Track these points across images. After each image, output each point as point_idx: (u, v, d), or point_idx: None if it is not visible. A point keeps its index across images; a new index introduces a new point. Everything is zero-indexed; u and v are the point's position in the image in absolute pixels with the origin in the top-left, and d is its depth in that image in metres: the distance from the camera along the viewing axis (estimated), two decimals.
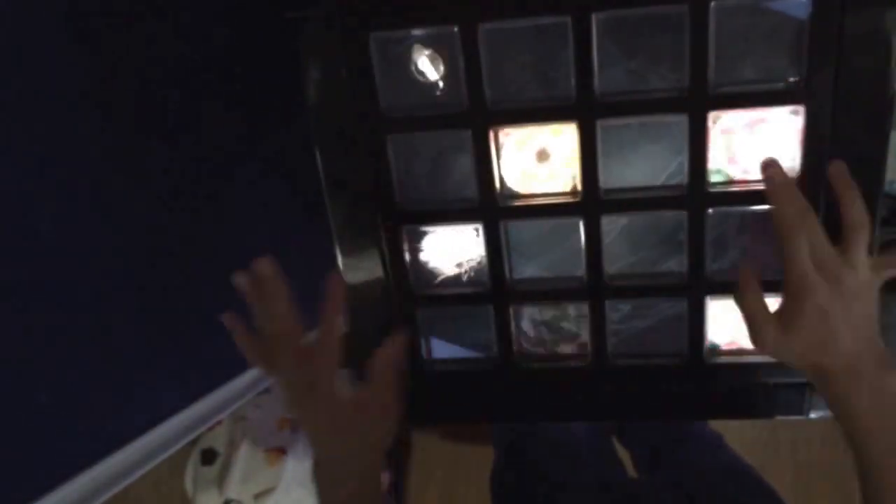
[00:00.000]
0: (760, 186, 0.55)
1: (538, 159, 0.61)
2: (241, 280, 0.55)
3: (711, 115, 0.56)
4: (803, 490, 1.72)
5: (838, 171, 0.53)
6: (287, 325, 0.55)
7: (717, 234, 0.60)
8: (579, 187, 0.60)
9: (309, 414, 0.57)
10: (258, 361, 0.56)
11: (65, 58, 0.57)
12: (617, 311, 0.65)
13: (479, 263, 0.65)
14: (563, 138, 0.59)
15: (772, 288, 0.54)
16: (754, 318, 0.54)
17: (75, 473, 0.60)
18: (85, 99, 0.59)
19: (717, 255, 0.61)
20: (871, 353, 0.51)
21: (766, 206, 0.58)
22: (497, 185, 0.61)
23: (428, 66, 0.58)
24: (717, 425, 1.06)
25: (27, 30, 0.53)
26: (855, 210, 0.51)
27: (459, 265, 0.66)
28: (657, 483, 0.90)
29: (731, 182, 0.59)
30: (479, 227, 0.62)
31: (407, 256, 0.65)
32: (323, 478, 0.58)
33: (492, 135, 0.59)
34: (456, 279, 0.66)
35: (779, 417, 0.66)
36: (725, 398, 0.67)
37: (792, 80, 0.55)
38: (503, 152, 0.60)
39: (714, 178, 0.59)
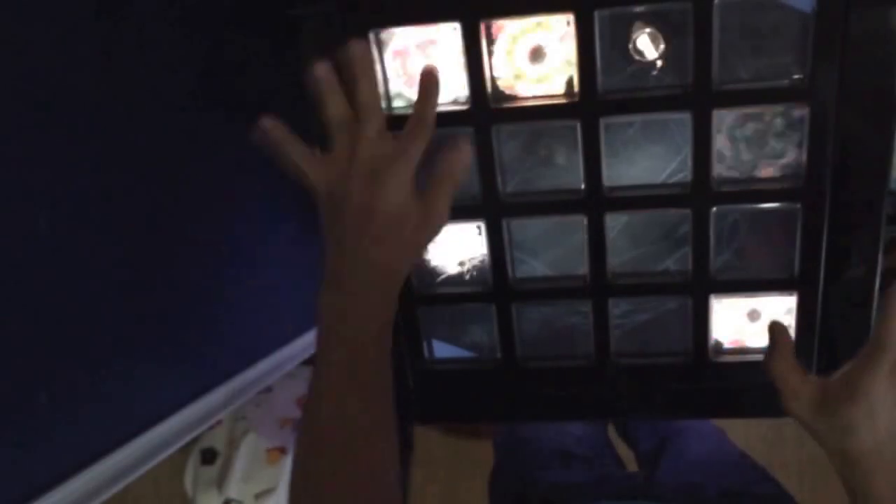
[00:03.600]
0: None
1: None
2: (321, 67, 0.49)
3: None
4: (808, 488, 1.72)
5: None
6: (375, 105, 0.49)
7: (720, 232, 0.60)
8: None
9: (358, 211, 0.48)
10: (311, 164, 0.50)
11: (64, 56, 0.57)
12: (618, 306, 0.65)
13: (482, 262, 0.64)
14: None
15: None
16: (786, 386, 0.52)
17: (75, 473, 0.60)
18: (84, 97, 0.59)
19: (721, 252, 0.61)
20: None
21: (769, 204, 0.58)
22: (499, 182, 0.60)
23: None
24: (721, 423, 1.06)
25: (27, 29, 0.53)
26: None
27: (461, 264, 0.65)
28: (658, 477, 0.90)
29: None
30: (482, 224, 0.62)
31: None
32: (334, 297, 0.50)
33: (494, 131, 0.59)
34: (458, 278, 0.66)
35: (784, 416, 0.66)
36: (730, 396, 0.66)
37: (796, 77, 0.55)
38: (504, 148, 0.60)
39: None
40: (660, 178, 0.59)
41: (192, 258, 0.74)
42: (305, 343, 0.95)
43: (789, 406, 0.52)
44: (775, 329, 0.53)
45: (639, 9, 0.54)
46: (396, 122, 0.50)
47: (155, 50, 0.67)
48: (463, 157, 0.51)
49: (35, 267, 0.55)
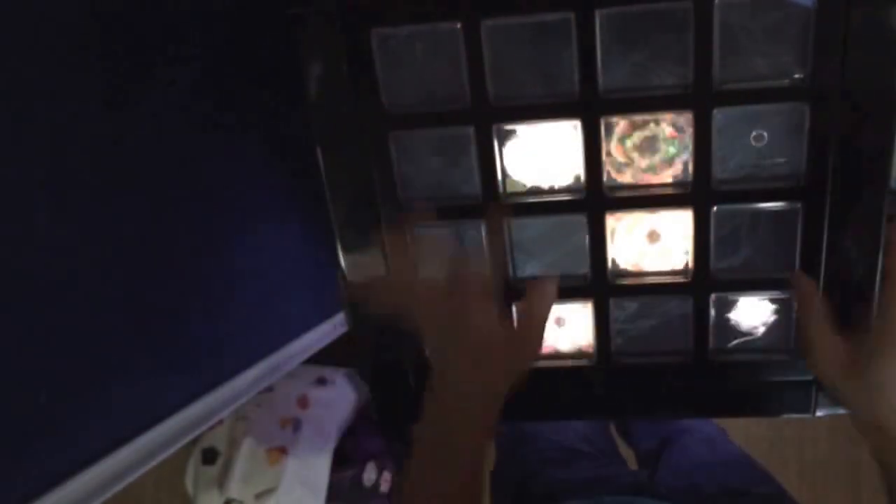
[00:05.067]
0: None
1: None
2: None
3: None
4: (809, 488, 1.72)
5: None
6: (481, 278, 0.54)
7: (724, 232, 0.60)
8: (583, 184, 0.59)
9: (451, 338, 0.54)
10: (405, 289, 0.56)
11: (64, 54, 0.57)
12: (622, 309, 0.65)
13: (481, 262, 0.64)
14: (565, 137, 0.59)
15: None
16: (819, 347, 0.52)
17: (75, 473, 0.60)
18: (83, 96, 0.59)
19: (724, 253, 0.61)
20: None
21: (772, 205, 0.58)
22: (500, 182, 0.60)
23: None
24: (722, 423, 1.06)
25: (27, 28, 0.53)
26: None
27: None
28: (659, 476, 0.90)
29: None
30: (482, 225, 0.62)
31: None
32: (431, 426, 0.53)
33: (494, 131, 0.59)
34: None
35: (785, 416, 0.66)
36: (731, 396, 0.66)
37: (797, 76, 0.55)
38: (506, 149, 0.60)
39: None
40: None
41: (192, 258, 0.74)
42: (306, 343, 0.95)
43: (819, 366, 0.52)
44: (802, 283, 0.53)
45: (640, 7, 0.54)
46: None
47: (154, 49, 0.67)
48: (549, 298, 0.55)
49: (34, 266, 0.55)
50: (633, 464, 1.15)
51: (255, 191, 0.84)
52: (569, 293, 0.64)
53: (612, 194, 0.59)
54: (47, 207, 0.56)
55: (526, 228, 0.63)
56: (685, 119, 0.56)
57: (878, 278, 0.58)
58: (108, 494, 0.62)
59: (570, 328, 0.67)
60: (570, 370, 0.67)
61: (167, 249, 0.70)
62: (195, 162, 0.74)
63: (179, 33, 0.70)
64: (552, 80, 0.57)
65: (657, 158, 0.59)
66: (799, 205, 0.57)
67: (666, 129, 0.58)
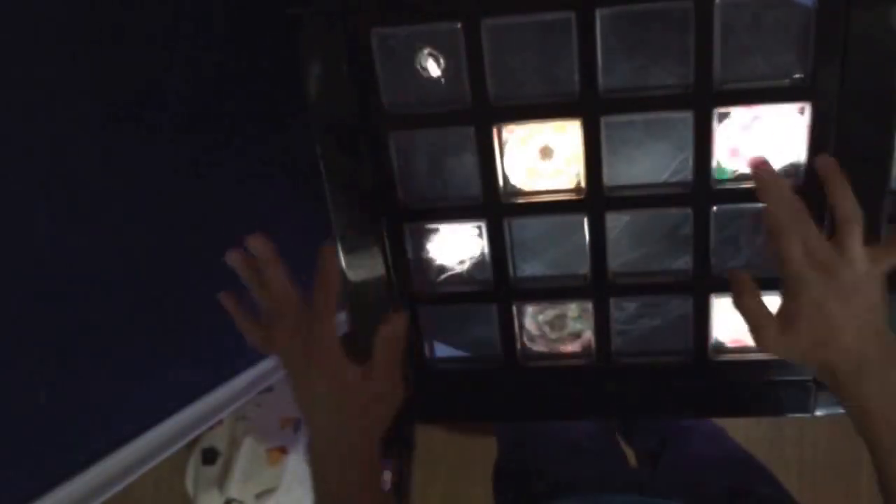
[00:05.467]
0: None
1: (542, 156, 0.60)
2: (234, 257, 0.55)
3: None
4: (809, 487, 1.72)
5: (827, 165, 0.52)
6: (286, 296, 0.54)
7: (726, 233, 0.60)
8: (583, 184, 0.59)
9: (307, 386, 0.56)
10: (257, 339, 0.56)
11: (64, 55, 0.57)
12: (622, 309, 0.65)
13: (483, 262, 0.64)
14: (566, 135, 0.59)
15: (775, 286, 0.53)
16: (754, 319, 0.53)
17: (75, 473, 0.60)
18: (83, 96, 0.59)
19: (727, 253, 0.61)
20: (877, 347, 0.50)
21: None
22: (500, 182, 0.60)
23: (430, 63, 0.58)
24: (721, 422, 1.06)
25: (27, 30, 0.53)
26: (846, 203, 0.51)
27: (462, 263, 0.65)
28: (660, 474, 0.90)
29: (736, 178, 0.58)
30: (483, 224, 0.62)
31: (409, 254, 0.64)
32: (318, 463, 0.57)
33: (495, 132, 0.59)
34: (459, 277, 0.66)
35: (784, 415, 0.66)
36: (731, 396, 0.66)
37: (797, 76, 0.55)
38: (506, 149, 0.60)
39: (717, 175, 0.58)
40: (661, 177, 0.59)
41: (193, 257, 0.74)
42: None
43: (764, 340, 0.53)
44: (734, 274, 0.55)
45: (640, 7, 0.54)
46: None
47: (155, 49, 0.67)
48: (397, 328, 0.57)
49: (36, 267, 0.55)
50: (633, 463, 1.15)
51: (255, 190, 0.84)
52: (569, 293, 0.64)
53: (613, 194, 0.59)
54: (48, 209, 0.56)
55: (526, 228, 0.63)
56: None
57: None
58: (108, 494, 0.62)
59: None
60: (570, 370, 0.67)
61: (167, 250, 0.70)
62: (195, 162, 0.74)
63: (180, 33, 0.70)
64: (552, 80, 0.57)
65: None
66: None
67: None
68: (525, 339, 0.67)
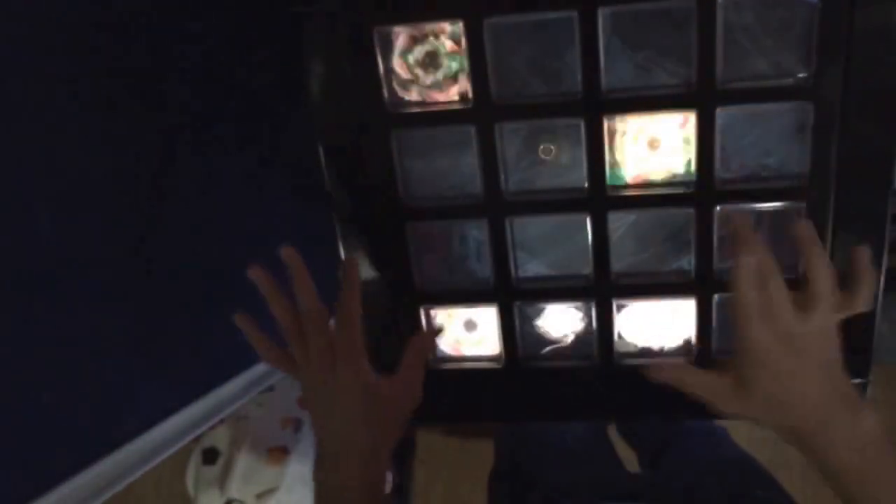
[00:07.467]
0: None
1: (543, 155, 0.60)
2: (256, 272, 0.53)
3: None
4: (811, 489, 1.71)
5: (804, 232, 0.51)
6: (318, 311, 0.53)
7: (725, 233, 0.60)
8: (585, 184, 0.59)
9: (326, 401, 0.55)
10: (283, 363, 0.55)
11: (64, 55, 0.57)
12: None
13: (483, 261, 0.64)
14: (567, 136, 0.59)
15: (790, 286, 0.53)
16: (705, 395, 0.52)
17: (75, 473, 0.59)
18: (84, 96, 0.59)
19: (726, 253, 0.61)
20: (839, 401, 0.49)
21: (775, 204, 0.58)
22: (502, 181, 0.60)
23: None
24: (722, 423, 1.05)
25: (27, 29, 0.53)
26: (820, 275, 0.49)
27: (464, 262, 0.65)
28: (660, 478, 0.90)
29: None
30: (484, 223, 0.62)
31: (411, 254, 0.64)
32: (325, 475, 0.56)
33: (496, 131, 0.58)
34: (461, 278, 0.65)
35: None
36: None
37: (801, 75, 0.54)
38: (506, 146, 0.60)
39: None
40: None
41: (193, 257, 0.74)
42: None
43: (724, 407, 0.52)
44: (665, 364, 0.56)
45: (642, 6, 0.54)
46: None
47: (156, 48, 0.67)
48: (428, 340, 0.59)
49: (35, 267, 0.55)
50: (634, 465, 1.15)
51: (256, 190, 0.84)
52: (570, 293, 0.64)
53: (615, 193, 0.59)
54: (48, 209, 0.56)
55: (528, 227, 0.63)
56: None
57: (881, 279, 0.57)
58: (109, 494, 0.62)
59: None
60: (570, 370, 0.66)
61: (168, 249, 0.70)
62: (195, 162, 0.74)
63: (181, 33, 0.70)
64: (555, 79, 0.57)
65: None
66: (802, 205, 0.57)
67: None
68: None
